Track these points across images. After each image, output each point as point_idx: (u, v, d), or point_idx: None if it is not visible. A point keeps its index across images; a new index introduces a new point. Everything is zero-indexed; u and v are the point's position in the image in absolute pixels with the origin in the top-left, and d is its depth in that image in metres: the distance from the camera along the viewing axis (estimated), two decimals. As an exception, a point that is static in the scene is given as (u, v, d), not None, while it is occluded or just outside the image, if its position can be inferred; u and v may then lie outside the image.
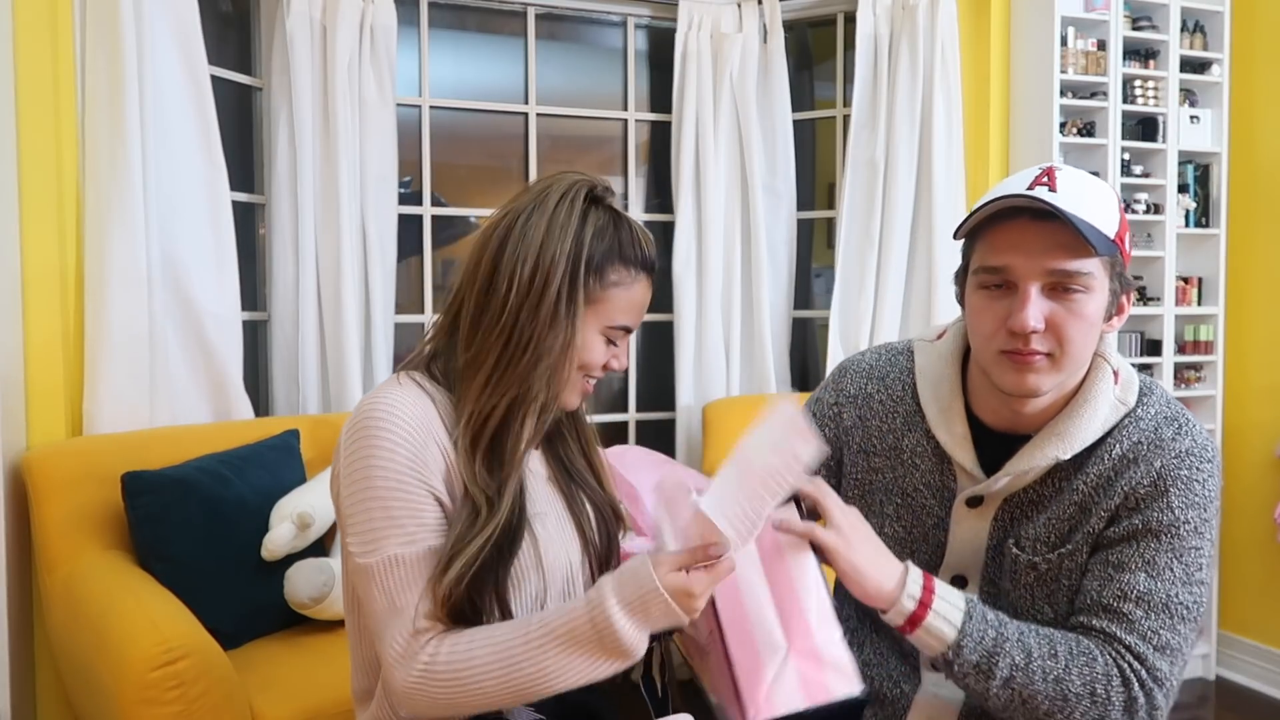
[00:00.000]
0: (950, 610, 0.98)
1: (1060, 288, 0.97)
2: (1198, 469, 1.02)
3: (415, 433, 0.98)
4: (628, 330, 1.09)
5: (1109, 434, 1.05)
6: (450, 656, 0.94)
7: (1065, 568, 1.05)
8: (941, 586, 1.00)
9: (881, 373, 1.20)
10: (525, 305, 1.01)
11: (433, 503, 0.99)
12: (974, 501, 1.09)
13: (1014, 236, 0.97)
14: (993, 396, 1.07)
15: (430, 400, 1.02)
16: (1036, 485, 1.07)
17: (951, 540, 1.11)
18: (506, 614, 1.00)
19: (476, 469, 1.00)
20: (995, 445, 1.08)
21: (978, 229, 1.02)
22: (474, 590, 0.96)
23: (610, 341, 1.08)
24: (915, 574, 1.00)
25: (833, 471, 1.22)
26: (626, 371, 2.97)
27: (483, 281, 1.03)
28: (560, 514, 1.11)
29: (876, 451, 1.17)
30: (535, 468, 1.11)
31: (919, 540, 1.14)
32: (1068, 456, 1.03)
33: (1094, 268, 0.97)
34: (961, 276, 1.08)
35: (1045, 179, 0.97)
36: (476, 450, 1.01)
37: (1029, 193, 0.96)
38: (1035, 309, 0.96)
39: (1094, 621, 1.01)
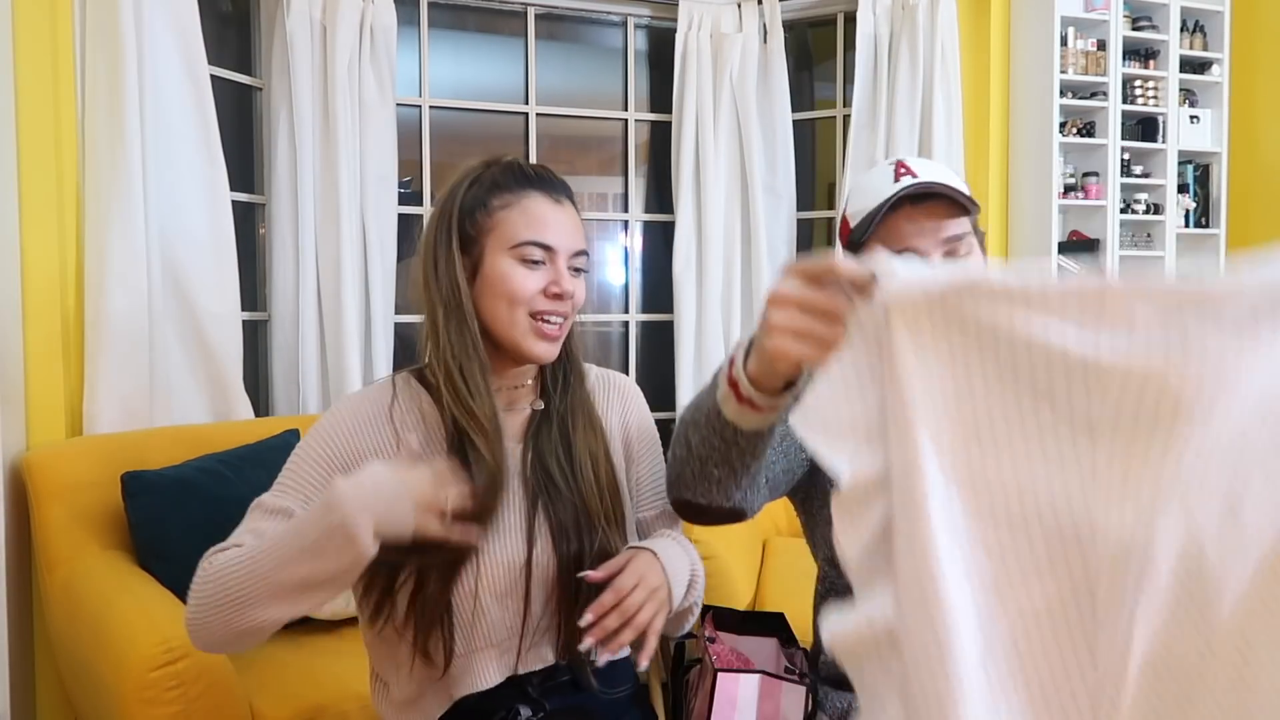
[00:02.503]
0: None
1: (953, 253, 1.06)
2: None
3: (350, 430, 1.02)
4: (545, 247, 1.02)
5: None
6: (214, 558, 0.95)
7: None
8: None
9: None
10: (426, 275, 1.05)
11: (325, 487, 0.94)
12: None
13: (905, 224, 1.04)
14: None
15: (391, 396, 1.05)
16: None
17: None
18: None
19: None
20: None
21: (868, 232, 1.07)
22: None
23: (531, 262, 1.02)
24: None
25: None
26: (627, 368, 2.97)
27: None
28: (517, 516, 1.04)
29: None
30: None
31: None
32: None
33: (968, 227, 1.06)
34: None
35: (904, 170, 1.06)
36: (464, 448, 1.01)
37: (900, 185, 1.04)
38: None
39: None
